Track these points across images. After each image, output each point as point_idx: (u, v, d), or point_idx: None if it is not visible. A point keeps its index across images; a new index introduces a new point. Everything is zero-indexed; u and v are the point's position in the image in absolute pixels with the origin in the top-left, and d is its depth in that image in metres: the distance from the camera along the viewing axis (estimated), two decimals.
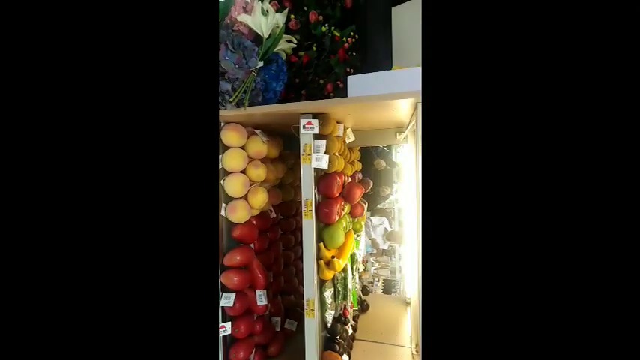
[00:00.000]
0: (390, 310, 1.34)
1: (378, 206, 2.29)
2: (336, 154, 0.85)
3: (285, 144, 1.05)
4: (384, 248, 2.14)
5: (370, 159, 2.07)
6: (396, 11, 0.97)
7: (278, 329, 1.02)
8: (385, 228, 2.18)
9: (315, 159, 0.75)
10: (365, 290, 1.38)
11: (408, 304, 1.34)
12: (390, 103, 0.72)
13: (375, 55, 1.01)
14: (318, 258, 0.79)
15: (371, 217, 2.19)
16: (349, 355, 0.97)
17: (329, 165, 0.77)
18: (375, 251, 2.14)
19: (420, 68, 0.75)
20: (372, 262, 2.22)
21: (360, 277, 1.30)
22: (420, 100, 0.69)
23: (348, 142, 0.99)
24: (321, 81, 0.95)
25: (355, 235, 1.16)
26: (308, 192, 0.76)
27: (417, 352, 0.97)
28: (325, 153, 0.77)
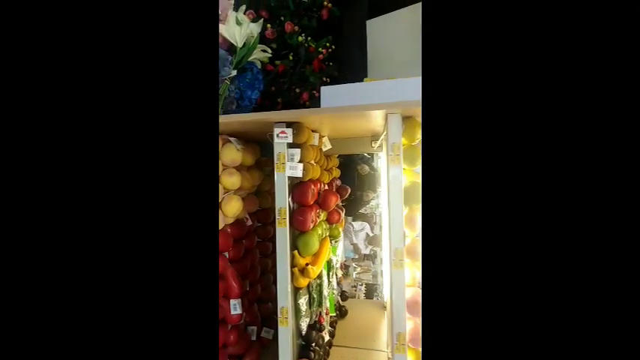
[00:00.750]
0: (368, 315, 1.35)
1: (360, 211, 2.32)
2: (312, 162, 0.87)
3: (263, 151, 1.05)
4: (366, 253, 2.16)
5: (354, 164, 2.10)
6: (371, 24, 1.00)
7: (254, 338, 1.01)
8: (367, 233, 2.21)
9: (290, 167, 0.76)
10: (344, 296, 1.39)
11: (385, 308, 1.36)
12: (361, 114, 0.74)
13: (351, 66, 1.04)
14: (293, 266, 0.80)
15: (352, 222, 2.21)
16: None
17: (303, 173, 0.78)
18: (356, 256, 2.16)
19: (390, 81, 0.79)
20: (354, 267, 2.24)
21: (338, 283, 1.31)
22: (390, 112, 0.72)
23: (324, 150, 1.01)
24: (297, 90, 0.96)
25: (333, 242, 1.17)
26: (282, 200, 0.77)
27: (391, 356, 0.98)
28: (300, 161, 0.78)
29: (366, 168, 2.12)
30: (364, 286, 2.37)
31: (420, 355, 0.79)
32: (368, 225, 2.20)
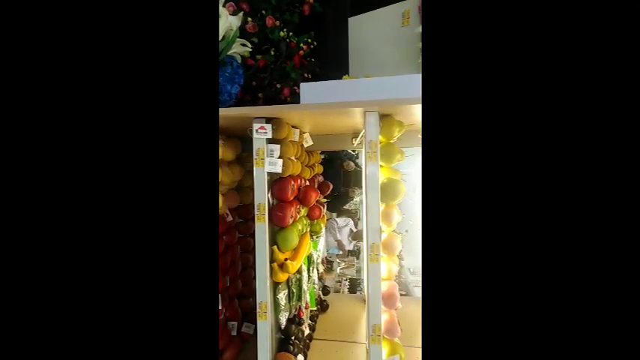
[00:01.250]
0: (349, 308, 1.38)
1: (344, 207, 2.35)
2: (292, 157, 0.87)
3: (245, 146, 1.04)
4: (350, 249, 2.20)
5: (340, 160, 2.12)
6: (353, 22, 1.01)
7: (234, 333, 1.01)
8: (350, 229, 2.24)
9: (269, 163, 0.76)
10: (325, 290, 1.41)
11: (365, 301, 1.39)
12: (341, 111, 0.75)
13: (333, 63, 1.04)
14: (272, 261, 0.80)
15: (337, 219, 2.24)
16: (305, 355, 0.99)
17: (283, 169, 0.79)
18: (340, 252, 2.19)
19: (369, 79, 0.80)
20: (338, 263, 2.27)
21: (320, 278, 1.32)
22: (368, 110, 0.73)
23: (305, 146, 1.01)
24: (278, 85, 0.96)
25: (314, 237, 1.18)
26: (261, 196, 0.77)
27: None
28: (279, 157, 0.78)
29: (352, 165, 2.14)
30: (348, 281, 2.41)
31: (395, 345, 0.82)
32: (352, 221, 2.23)
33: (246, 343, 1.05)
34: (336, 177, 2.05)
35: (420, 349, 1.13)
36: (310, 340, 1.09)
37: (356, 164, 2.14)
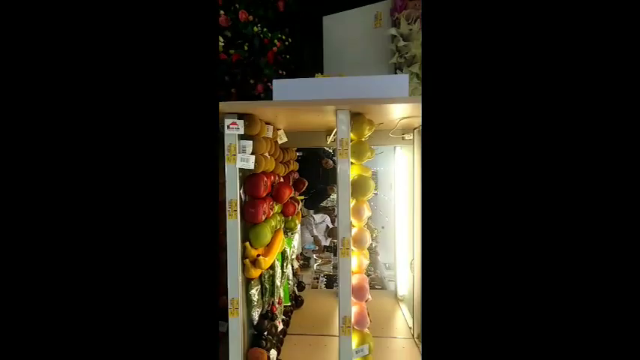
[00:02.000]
0: (324, 303, 1.41)
1: (322, 204, 2.37)
2: (265, 154, 0.87)
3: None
4: (326, 245, 2.23)
5: (318, 158, 2.13)
6: (327, 21, 1.02)
7: None
8: (327, 225, 2.27)
9: (241, 159, 0.76)
10: (300, 286, 1.43)
11: None
12: (313, 108, 0.77)
13: (308, 60, 1.05)
14: (244, 257, 0.80)
15: (314, 215, 2.25)
16: (278, 350, 1.00)
17: (255, 165, 0.78)
18: (317, 248, 2.21)
19: (341, 78, 0.82)
20: (315, 259, 2.29)
21: (295, 274, 1.34)
22: (339, 108, 0.75)
23: (280, 142, 1.01)
24: (252, 81, 0.95)
25: (289, 233, 1.19)
26: (233, 192, 0.76)
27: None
28: (252, 153, 0.78)
29: (331, 162, 2.16)
30: (325, 277, 2.44)
31: (364, 336, 0.86)
32: (329, 217, 2.26)
33: (220, 340, 1.04)
34: (315, 174, 2.06)
35: (390, 339, 1.19)
36: (284, 336, 1.11)
37: (334, 162, 2.17)
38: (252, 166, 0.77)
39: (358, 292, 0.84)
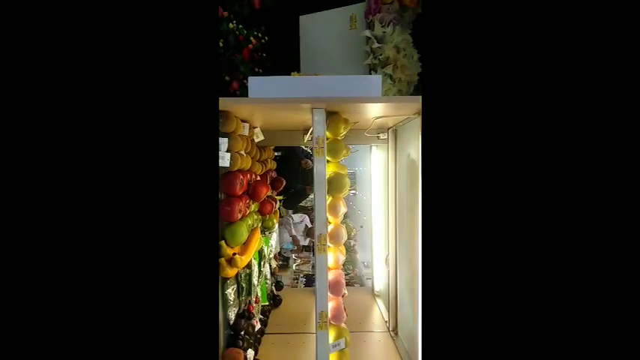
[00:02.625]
0: (302, 302, 1.42)
1: (301, 204, 2.37)
2: (241, 152, 0.86)
3: None
4: (305, 244, 2.24)
5: (297, 158, 2.13)
6: (303, 20, 1.03)
7: None
8: (306, 225, 2.28)
9: None
10: (279, 285, 1.42)
11: None
12: (289, 106, 0.77)
13: (285, 59, 1.06)
14: (220, 256, 0.79)
15: (292, 215, 2.25)
16: (256, 350, 0.99)
17: (231, 163, 0.78)
18: (295, 247, 2.21)
19: (317, 77, 0.83)
20: (294, 260, 2.29)
21: (273, 273, 1.33)
22: (315, 106, 0.76)
23: (256, 140, 1.01)
24: (227, 78, 0.94)
25: (266, 233, 1.19)
26: None
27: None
28: (227, 151, 0.77)
29: (310, 163, 2.17)
30: (304, 277, 2.45)
31: (341, 330, 0.87)
32: (307, 217, 2.27)
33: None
34: (294, 174, 2.06)
35: (367, 333, 1.22)
36: (262, 335, 1.10)
37: (313, 162, 2.18)
38: (227, 164, 0.76)
39: (334, 288, 0.86)
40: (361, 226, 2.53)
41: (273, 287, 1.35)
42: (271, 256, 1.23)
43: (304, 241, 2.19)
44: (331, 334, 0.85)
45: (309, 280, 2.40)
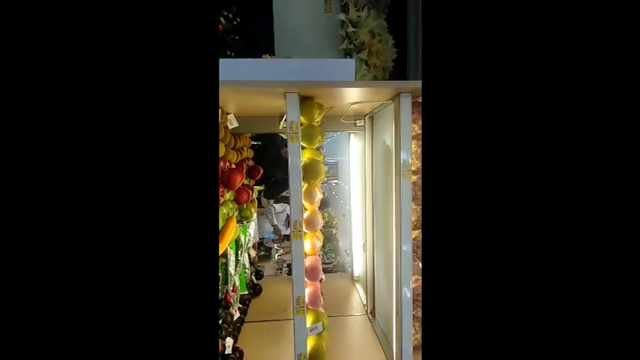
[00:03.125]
0: (283, 290, 1.43)
1: (283, 194, 2.36)
2: None
3: None
4: (286, 234, 2.24)
5: (277, 147, 2.09)
6: (277, 3, 1.00)
7: None
8: (287, 214, 2.28)
9: None
10: (259, 274, 1.42)
11: None
12: (261, 91, 0.75)
13: (259, 42, 1.02)
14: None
15: (274, 205, 2.24)
16: (235, 338, 0.99)
17: None
18: (276, 237, 2.21)
19: (290, 60, 0.81)
20: (277, 249, 2.29)
21: (252, 263, 1.32)
22: (288, 91, 0.74)
23: (230, 127, 0.98)
24: None
25: (244, 222, 1.17)
26: None
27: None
28: None
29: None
30: (287, 267, 2.46)
31: (319, 314, 0.89)
32: (289, 207, 2.27)
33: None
34: (274, 163, 2.03)
35: (346, 317, 1.25)
36: (241, 324, 1.10)
37: None
38: None
39: (311, 273, 0.87)
40: (343, 215, 2.56)
41: (253, 277, 1.35)
42: (250, 245, 1.22)
43: (286, 231, 2.19)
44: (309, 319, 0.86)
45: (292, 270, 2.42)
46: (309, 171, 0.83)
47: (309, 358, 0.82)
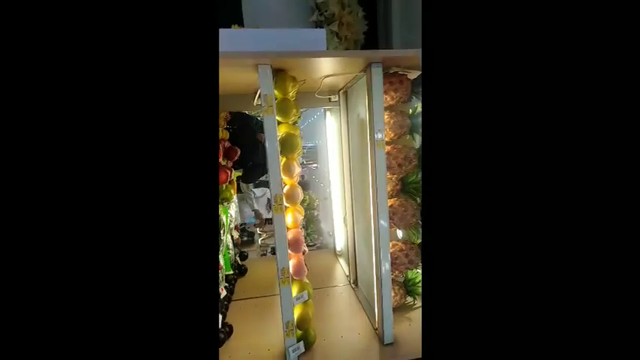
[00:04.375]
0: (267, 269, 1.45)
1: (261, 178, 2.34)
2: None
3: None
4: (268, 217, 2.24)
5: (252, 132, 2.05)
6: None
7: None
8: (268, 198, 2.28)
9: None
10: (243, 256, 1.43)
11: None
12: (231, 62, 0.73)
13: (227, 14, 0.98)
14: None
15: (254, 189, 2.22)
16: (224, 315, 1.01)
17: None
18: (258, 221, 2.21)
19: (261, 30, 0.79)
20: (259, 234, 2.30)
21: (235, 244, 1.33)
22: (260, 63, 0.73)
23: None
24: None
25: (225, 203, 1.16)
26: None
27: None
28: None
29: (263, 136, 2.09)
30: (271, 250, 2.49)
31: (303, 284, 0.93)
32: (269, 191, 2.27)
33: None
34: (252, 148, 2.00)
35: (330, 288, 1.30)
36: (228, 302, 1.11)
37: None
38: None
39: (294, 245, 0.89)
40: (325, 198, 2.61)
41: (238, 258, 1.36)
42: (232, 226, 1.22)
43: (268, 214, 2.20)
44: (294, 289, 0.89)
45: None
46: (287, 145, 0.83)
47: (296, 325, 0.86)
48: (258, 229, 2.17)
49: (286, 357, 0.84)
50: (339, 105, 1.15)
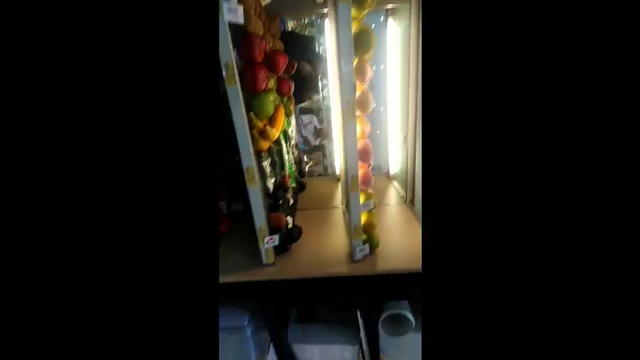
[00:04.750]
0: (324, 186, 1.54)
1: (303, 105, 2.28)
2: (252, 12, 0.75)
3: None
4: (316, 144, 2.27)
5: (292, 62, 1.91)
6: None
7: (225, 212, 1.08)
8: (315, 126, 2.26)
9: (228, 9, 0.65)
10: (301, 173, 1.51)
11: (337, 180, 1.54)
12: None
13: None
14: (251, 128, 0.79)
15: (302, 116, 2.21)
16: (293, 218, 1.12)
17: (245, 20, 0.69)
18: (307, 148, 2.26)
19: None
20: (306, 162, 2.37)
21: (295, 162, 1.39)
22: None
23: (263, 2, 0.87)
24: None
25: (287, 118, 1.17)
26: (226, 53, 0.68)
27: (345, 209, 1.18)
28: (239, 3, 0.67)
29: (308, 68, 1.93)
30: (317, 177, 2.59)
31: (369, 194, 0.96)
32: (315, 118, 2.23)
33: (237, 216, 1.14)
34: (292, 82, 1.88)
35: (385, 206, 1.34)
36: (295, 211, 1.23)
37: (313, 67, 1.95)
38: (241, 20, 0.67)
39: (363, 155, 0.90)
40: (377, 131, 2.51)
41: (297, 174, 1.44)
42: (293, 142, 1.25)
43: (315, 142, 2.22)
44: (361, 198, 0.94)
45: None
46: (360, 42, 0.76)
47: (362, 229, 0.93)
48: (305, 156, 2.23)
49: (352, 256, 0.94)
50: (410, 3, 0.98)
